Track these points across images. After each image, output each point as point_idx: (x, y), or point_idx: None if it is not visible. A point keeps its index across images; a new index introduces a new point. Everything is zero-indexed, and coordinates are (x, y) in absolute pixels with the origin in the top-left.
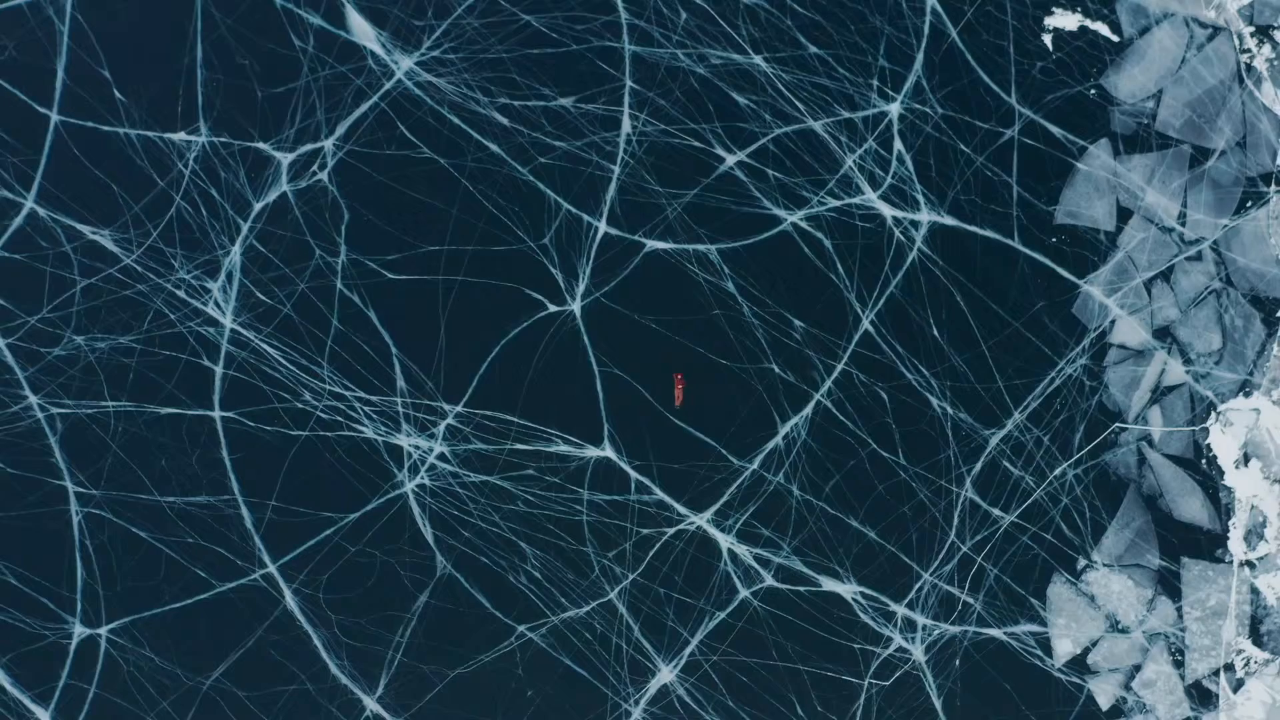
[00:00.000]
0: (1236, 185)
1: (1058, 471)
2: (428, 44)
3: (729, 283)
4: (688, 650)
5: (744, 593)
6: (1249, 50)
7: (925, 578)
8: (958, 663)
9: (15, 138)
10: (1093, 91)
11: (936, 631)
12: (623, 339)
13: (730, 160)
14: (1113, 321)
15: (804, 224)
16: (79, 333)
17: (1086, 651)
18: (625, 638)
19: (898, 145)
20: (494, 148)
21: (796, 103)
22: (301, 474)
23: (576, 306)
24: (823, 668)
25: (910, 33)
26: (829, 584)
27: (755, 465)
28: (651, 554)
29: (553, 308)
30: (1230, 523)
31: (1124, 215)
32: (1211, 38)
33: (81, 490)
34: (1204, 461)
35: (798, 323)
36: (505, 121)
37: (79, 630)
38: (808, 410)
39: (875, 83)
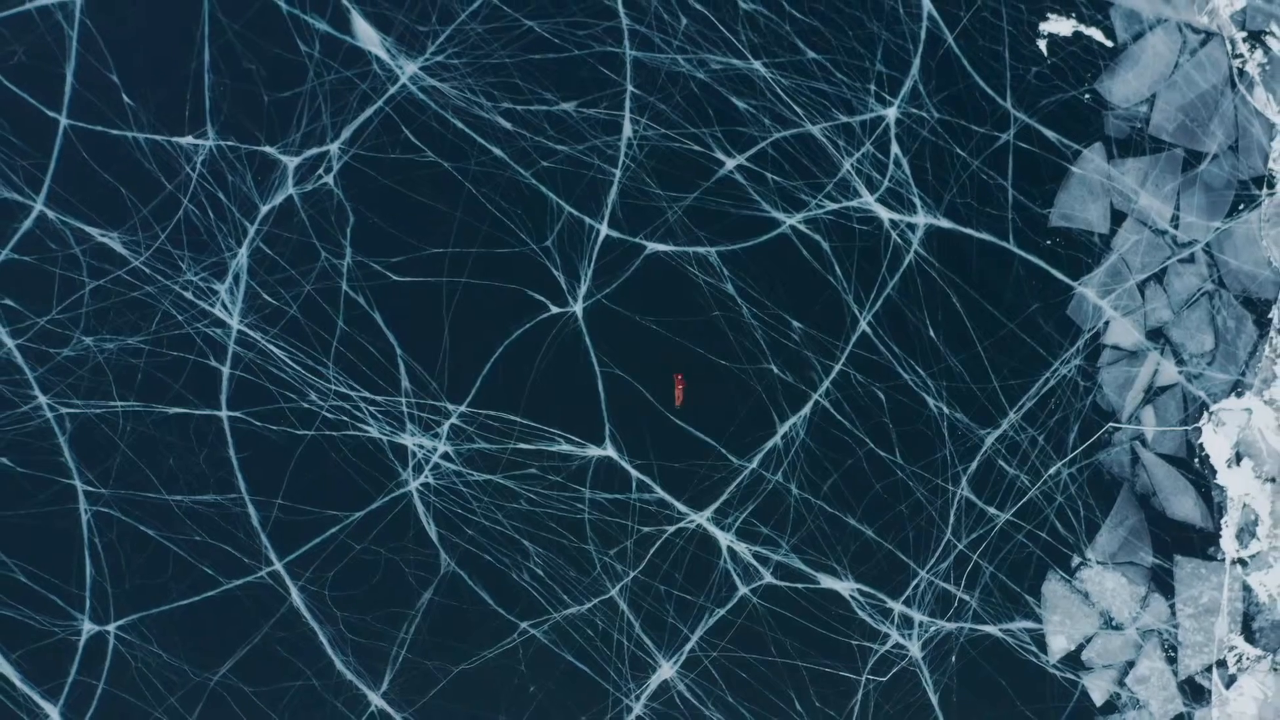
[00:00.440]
0: (1228, 188)
1: (1052, 470)
2: (432, 49)
3: (728, 284)
4: (688, 646)
5: (743, 590)
6: (1241, 55)
7: (922, 575)
8: (954, 659)
9: (25, 141)
10: (1087, 96)
11: (933, 628)
12: (624, 340)
13: (730, 164)
14: (1107, 323)
15: (802, 227)
16: (88, 334)
17: (1081, 648)
18: (626, 634)
19: (895, 149)
20: (497, 151)
21: (795, 107)
22: (307, 473)
23: (578, 308)
24: (821, 663)
25: (907, 38)
26: (827, 581)
27: (754, 464)
28: (652, 552)
29: (555, 309)
30: (1222, 521)
31: (1118, 218)
32: (1204, 43)
33: (90, 489)
34: (1196, 461)
35: (796, 324)
36: (508, 126)
37: (88, 627)
38: (806, 410)
39: (872, 88)
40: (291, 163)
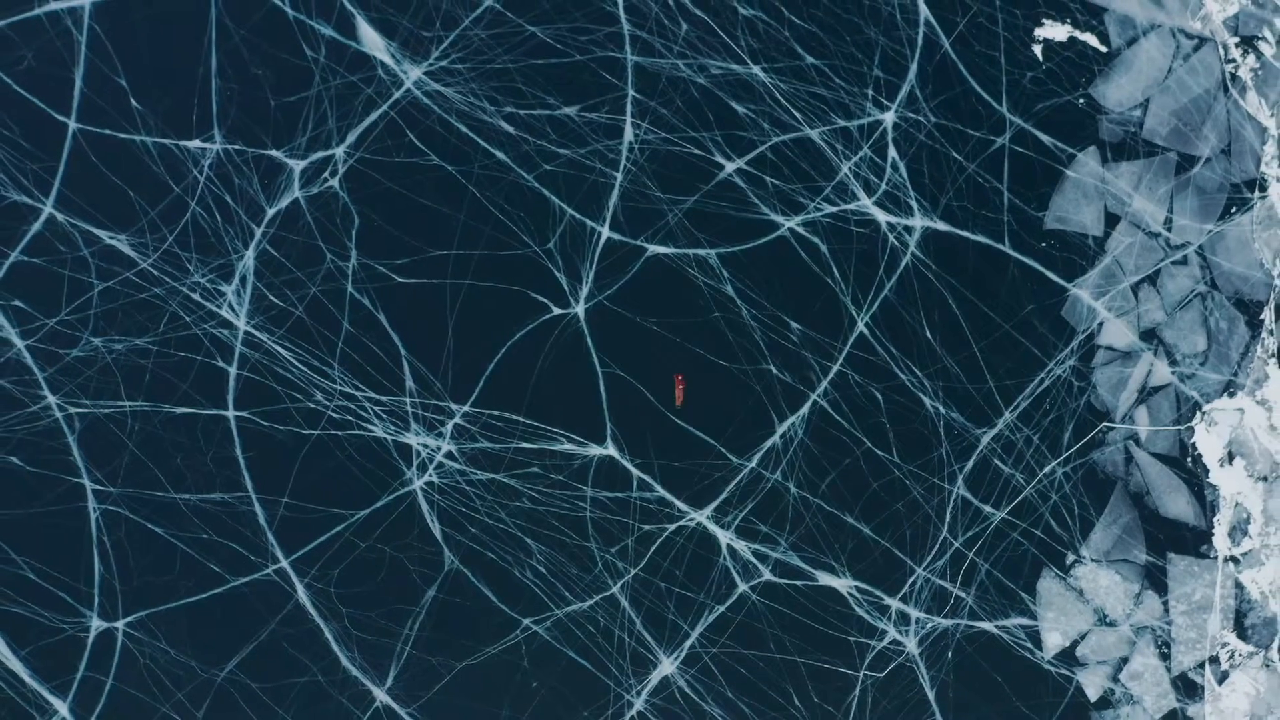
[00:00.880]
0: (1221, 191)
1: (1047, 470)
2: (436, 54)
3: (728, 286)
4: (688, 643)
5: (743, 587)
6: (1234, 60)
7: (919, 572)
8: (950, 655)
9: (35, 145)
10: (1081, 100)
11: (930, 625)
12: (625, 341)
13: (729, 168)
14: (1101, 324)
15: (801, 229)
16: (96, 334)
17: (1075, 644)
18: (627, 630)
19: (892, 153)
20: (500, 155)
21: (794, 111)
22: (313, 472)
23: (580, 309)
24: (819, 659)
25: (904, 44)
26: (825, 578)
27: (754, 463)
28: (653, 549)
29: (557, 310)
30: (1215, 519)
31: (1112, 221)
32: (1197, 48)
33: (99, 488)
34: (1189, 460)
35: (795, 325)
36: (511, 130)
37: (96, 624)
38: (805, 410)
39: (870, 92)
40: (297, 166)
